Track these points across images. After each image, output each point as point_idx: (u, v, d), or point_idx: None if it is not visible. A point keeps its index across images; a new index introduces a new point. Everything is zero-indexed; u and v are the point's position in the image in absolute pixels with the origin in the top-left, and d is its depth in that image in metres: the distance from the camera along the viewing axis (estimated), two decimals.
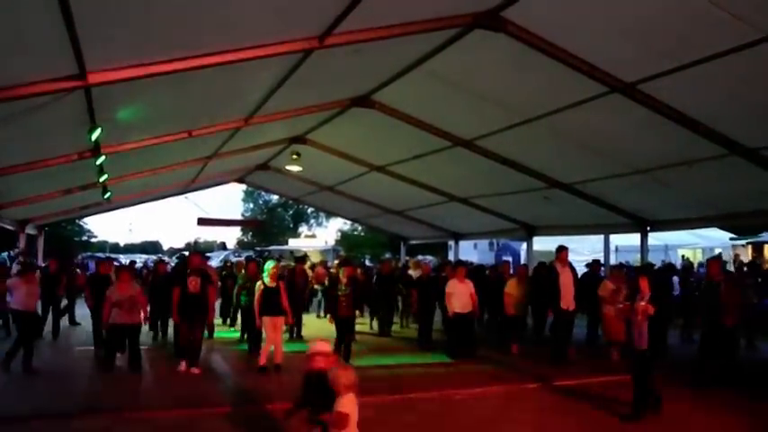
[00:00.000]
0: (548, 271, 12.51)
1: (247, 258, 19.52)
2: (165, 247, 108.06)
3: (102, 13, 5.75)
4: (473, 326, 12.77)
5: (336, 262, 21.90)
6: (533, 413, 8.55)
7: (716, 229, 26.07)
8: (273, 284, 11.01)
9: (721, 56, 7.02)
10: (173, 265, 22.12)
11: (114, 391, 9.55)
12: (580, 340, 13.46)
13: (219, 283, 15.77)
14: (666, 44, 7.31)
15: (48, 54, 6.47)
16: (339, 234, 64.90)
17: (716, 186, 11.07)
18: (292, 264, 19.21)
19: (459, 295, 12.32)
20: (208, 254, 41.63)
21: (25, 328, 10.66)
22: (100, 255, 43.89)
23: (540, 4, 7.22)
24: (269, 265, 11.42)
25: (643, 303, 7.87)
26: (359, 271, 15.67)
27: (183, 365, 10.70)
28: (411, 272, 18.00)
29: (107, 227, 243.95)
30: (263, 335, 11.30)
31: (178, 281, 11.15)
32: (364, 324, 16.73)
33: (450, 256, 26.95)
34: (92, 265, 33.71)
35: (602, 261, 17.00)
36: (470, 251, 42.55)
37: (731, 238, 28.05)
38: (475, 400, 9.00)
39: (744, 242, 27.39)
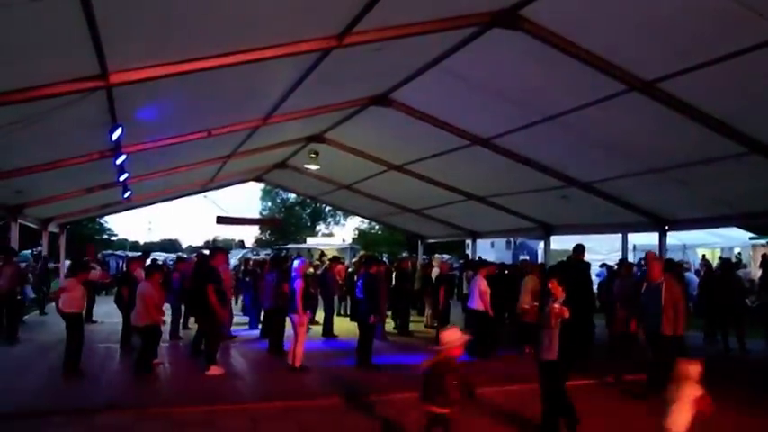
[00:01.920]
0: (579, 268, 11.96)
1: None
2: (185, 246, 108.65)
3: (124, 13, 5.83)
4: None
5: (354, 260, 21.93)
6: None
7: (735, 228, 25.81)
8: None
9: (741, 54, 6.95)
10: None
11: (136, 387, 9.68)
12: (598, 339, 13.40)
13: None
14: (685, 42, 7.26)
15: (70, 55, 6.57)
16: (356, 232, 64.98)
17: (735, 185, 10.93)
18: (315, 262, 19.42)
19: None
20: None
21: (73, 329, 10.36)
22: (119, 253, 44.20)
23: (559, 3, 7.20)
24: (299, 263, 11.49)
25: (556, 306, 7.02)
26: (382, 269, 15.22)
27: (220, 369, 10.51)
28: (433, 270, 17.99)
29: (127, 225, 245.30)
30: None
31: (213, 279, 10.70)
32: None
33: (469, 255, 26.91)
34: (112, 263, 34.21)
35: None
36: (487, 250, 42.38)
37: (751, 238, 27.71)
38: (490, 399, 9.00)
39: (764, 241, 27.00)
